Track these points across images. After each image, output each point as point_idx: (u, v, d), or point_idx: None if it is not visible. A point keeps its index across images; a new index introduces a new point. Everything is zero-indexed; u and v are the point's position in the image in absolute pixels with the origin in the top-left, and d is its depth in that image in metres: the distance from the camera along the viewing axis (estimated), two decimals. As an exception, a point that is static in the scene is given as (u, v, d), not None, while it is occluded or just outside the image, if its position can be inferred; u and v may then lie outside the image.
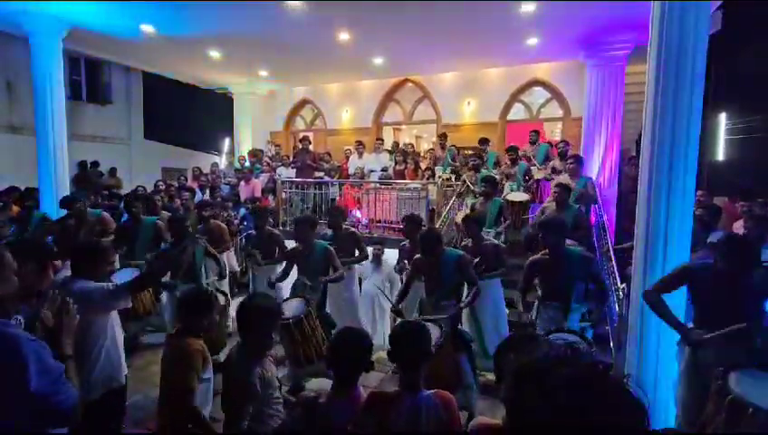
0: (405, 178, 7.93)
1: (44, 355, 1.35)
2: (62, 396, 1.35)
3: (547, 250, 3.37)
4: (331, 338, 2.04)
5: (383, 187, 7.62)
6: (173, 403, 2.25)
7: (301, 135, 10.68)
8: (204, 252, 4.43)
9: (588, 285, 3.39)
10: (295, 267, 4.29)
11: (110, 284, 2.53)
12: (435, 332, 2.94)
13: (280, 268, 4.53)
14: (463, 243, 4.55)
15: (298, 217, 4.85)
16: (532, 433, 0.75)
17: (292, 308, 3.59)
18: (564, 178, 5.73)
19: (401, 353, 1.84)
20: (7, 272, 1.48)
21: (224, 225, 5.45)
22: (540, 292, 3.48)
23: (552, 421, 0.71)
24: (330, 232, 4.72)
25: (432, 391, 1.79)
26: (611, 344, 4.35)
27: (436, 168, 7.69)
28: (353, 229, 4.90)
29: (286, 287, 4.38)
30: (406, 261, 4.60)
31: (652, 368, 3.12)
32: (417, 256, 3.67)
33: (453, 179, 7.25)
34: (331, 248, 4.15)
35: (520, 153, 7.03)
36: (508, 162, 6.83)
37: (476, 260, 3.94)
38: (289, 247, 4.60)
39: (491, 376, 3.70)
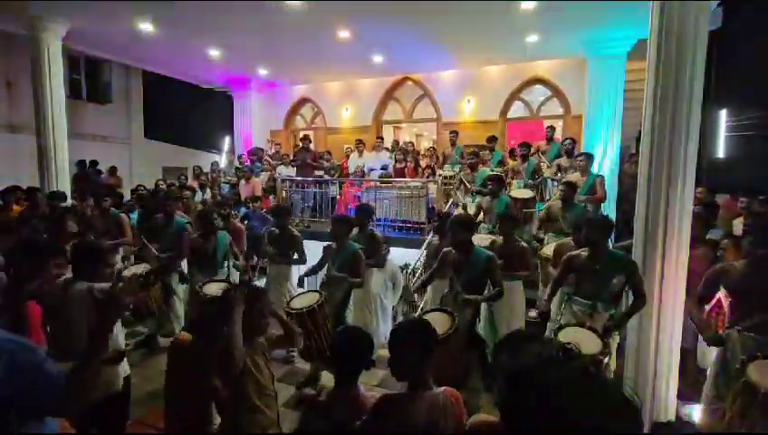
0: (405, 177, 7.93)
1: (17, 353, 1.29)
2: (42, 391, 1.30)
3: (587, 248, 3.26)
4: (332, 336, 2.04)
5: (383, 185, 7.63)
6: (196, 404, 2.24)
7: (301, 134, 10.70)
8: (228, 247, 4.57)
9: (623, 289, 3.26)
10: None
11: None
12: (446, 321, 2.94)
13: (298, 268, 4.58)
14: (492, 239, 4.55)
15: (335, 217, 4.84)
16: (524, 433, 0.76)
17: (306, 299, 3.63)
18: (575, 175, 5.73)
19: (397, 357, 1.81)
20: None
21: (242, 226, 5.52)
22: (571, 287, 3.40)
23: (544, 424, 0.71)
24: (355, 231, 4.68)
25: (441, 388, 1.78)
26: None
27: (445, 166, 7.64)
28: (375, 232, 4.87)
29: (311, 284, 4.48)
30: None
31: (651, 365, 3.13)
32: (447, 248, 3.63)
33: (453, 177, 7.24)
34: (360, 253, 4.10)
35: (533, 148, 7.00)
36: (519, 158, 6.80)
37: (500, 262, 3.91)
38: (305, 249, 4.68)
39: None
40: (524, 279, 4.26)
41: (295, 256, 4.71)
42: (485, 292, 3.58)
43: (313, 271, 4.39)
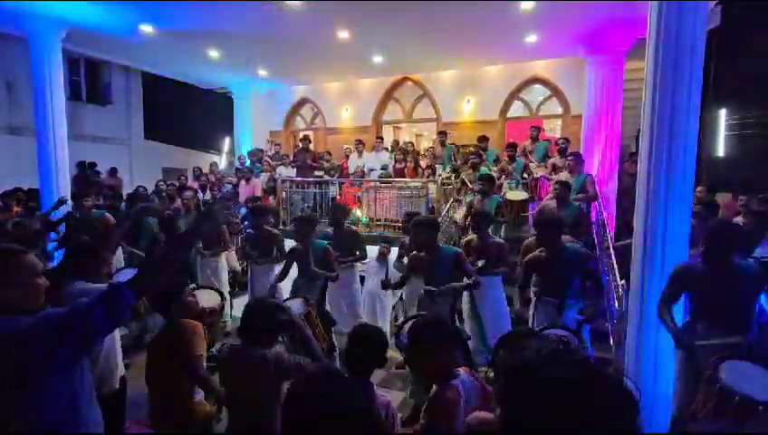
0: (405, 177, 7.93)
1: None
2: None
3: (543, 247, 3.39)
4: (350, 333, 2.05)
5: (383, 185, 7.63)
6: (177, 385, 2.29)
7: (301, 134, 10.69)
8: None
9: (585, 282, 3.40)
10: (295, 266, 4.31)
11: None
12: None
13: (278, 267, 4.56)
14: (468, 238, 4.57)
15: (298, 217, 4.88)
16: (523, 430, 0.76)
17: (292, 308, 3.62)
18: (565, 175, 5.74)
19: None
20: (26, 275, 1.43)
21: (223, 228, 5.51)
22: (537, 288, 3.50)
23: (543, 419, 0.71)
24: (331, 230, 4.74)
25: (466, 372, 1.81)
26: (611, 341, 4.36)
27: (436, 165, 7.68)
28: (355, 229, 4.92)
29: (286, 288, 4.41)
30: (405, 259, 4.62)
31: (651, 364, 3.12)
32: (414, 252, 3.69)
33: (452, 178, 7.25)
34: (330, 249, 4.18)
35: (519, 149, 7.03)
36: (506, 159, 6.82)
37: (482, 262, 3.96)
38: (288, 247, 4.63)
39: (491, 373, 3.72)
40: (503, 275, 4.28)
41: (278, 255, 4.78)
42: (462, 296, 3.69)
43: (281, 277, 4.39)
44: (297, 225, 4.28)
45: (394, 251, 5.40)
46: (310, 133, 11.11)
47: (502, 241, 4.42)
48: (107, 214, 5.40)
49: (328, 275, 4.09)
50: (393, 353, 4.52)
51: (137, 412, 3.46)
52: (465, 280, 3.52)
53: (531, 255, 3.50)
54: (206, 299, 3.77)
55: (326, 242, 4.27)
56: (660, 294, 2.83)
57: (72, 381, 1.38)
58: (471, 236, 4.47)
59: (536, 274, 3.50)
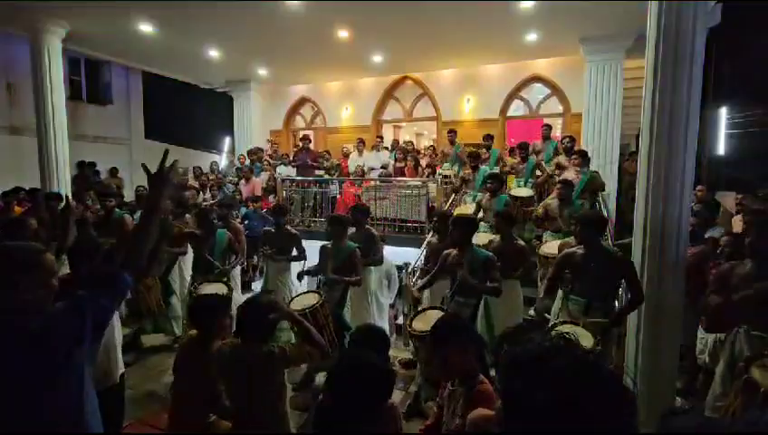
0: (405, 176, 7.94)
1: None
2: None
3: (582, 245, 3.25)
4: (351, 333, 2.06)
5: (383, 184, 7.64)
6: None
7: (301, 134, 10.70)
8: (226, 246, 4.55)
9: (617, 285, 3.27)
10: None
11: None
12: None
13: (295, 266, 4.60)
14: (490, 238, 4.55)
15: (332, 216, 4.85)
16: (521, 421, 0.76)
17: (306, 300, 3.66)
18: (571, 173, 5.75)
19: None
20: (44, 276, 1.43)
21: (241, 227, 5.51)
22: (565, 287, 3.40)
23: (541, 409, 0.72)
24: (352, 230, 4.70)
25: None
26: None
27: (444, 164, 7.64)
28: (373, 231, 4.89)
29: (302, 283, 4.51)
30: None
31: (650, 362, 3.13)
32: (446, 251, 3.66)
33: (452, 176, 7.24)
34: (357, 252, 4.11)
35: (530, 148, 7.01)
36: (518, 158, 6.80)
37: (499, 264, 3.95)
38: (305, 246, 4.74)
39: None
40: (522, 278, 4.26)
41: (295, 253, 4.75)
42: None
43: (315, 272, 4.39)
44: (330, 225, 4.25)
45: (386, 249, 5.42)
46: (310, 133, 11.11)
47: (524, 244, 4.33)
48: (126, 215, 5.38)
49: (349, 281, 4.02)
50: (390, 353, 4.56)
51: (136, 412, 3.48)
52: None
53: (565, 251, 3.39)
54: (213, 291, 3.83)
55: (355, 245, 4.18)
56: None
57: (81, 379, 1.38)
58: (493, 237, 4.44)
59: (570, 271, 3.32)
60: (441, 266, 3.67)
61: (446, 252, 3.66)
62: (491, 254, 3.58)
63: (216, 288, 3.92)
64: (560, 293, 3.57)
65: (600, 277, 3.10)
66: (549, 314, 3.66)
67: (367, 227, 4.76)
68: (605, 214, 6.07)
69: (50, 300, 1.41)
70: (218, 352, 2.17)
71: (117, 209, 5.37)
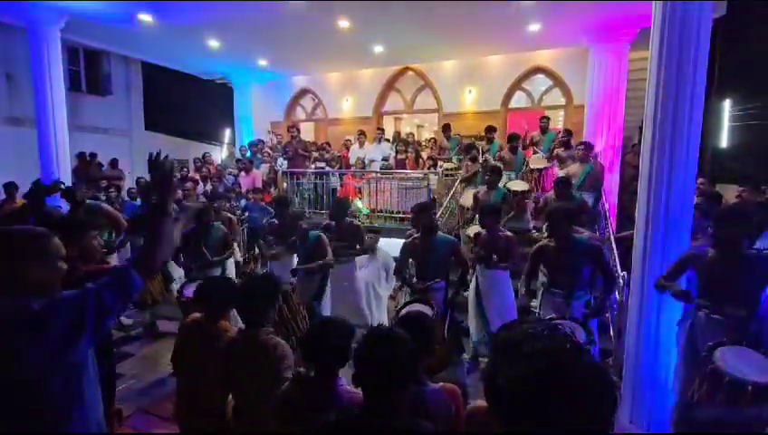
0: (406, 168, 7.92)
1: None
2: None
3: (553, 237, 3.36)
4: (308, 329, 2.00)
5: (384, 176, 7.62)
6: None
7: (301, 125, 10.64)
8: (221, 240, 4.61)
9: (593, 274, 3.37)
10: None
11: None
12: (426, 311, 2.99)
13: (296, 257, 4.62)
14: (476, 230, 4.55)
15: (336, 200, 4.94)
16: (502, 401, 0.77)
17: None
18: (574, 166, 5.74)
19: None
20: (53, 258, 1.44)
21: (233, 216, 5.53)
22: (545, 279, 3.49)
23: (519, 388, 0.73)
24: (332, 223, 4.74)
25: (439, 384, 1.76)
26: (611, 332, 4.38)
27: (454, 158, 7.61)
28: (357, 223, 4.92)
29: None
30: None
31: (650, 354, 3.14)
32: (407, 240, 3.81)
33: (455, 169, 7.22)
34: (324, 237, 4.22)
35: (527, 139, 7.00)
36: (509, 150, 6.78)
37: (480, 250, 3.99)
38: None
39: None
40: (512, 269, 4.27)
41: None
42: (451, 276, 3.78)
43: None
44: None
45: (383, 241, 5.43)
46: (311, 124, 11.06)
47: (510, 234, 4.35)
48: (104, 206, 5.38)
49: (325, 263, 4.12)
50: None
51: (143, 401, 3.51)
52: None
53: (538, 244, 3.48)
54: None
55: (317, 232, 4.31)
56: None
57: (79, 368, 1.38)
58: (474, 227, 4.47)
59: (543, 264, 3.47)
60: (406, 255, 3.82)
61: (408, 240, 3.85)
62: (454, 238, 3.82)
63: None
64: (540, 287, 3.65)
65: (576, 268, 3.23)
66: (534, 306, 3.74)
67: (348, 220, 4.81)
68: (606, 207, 6.06)
69: (58, 283, 1.42)
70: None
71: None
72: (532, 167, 5.72)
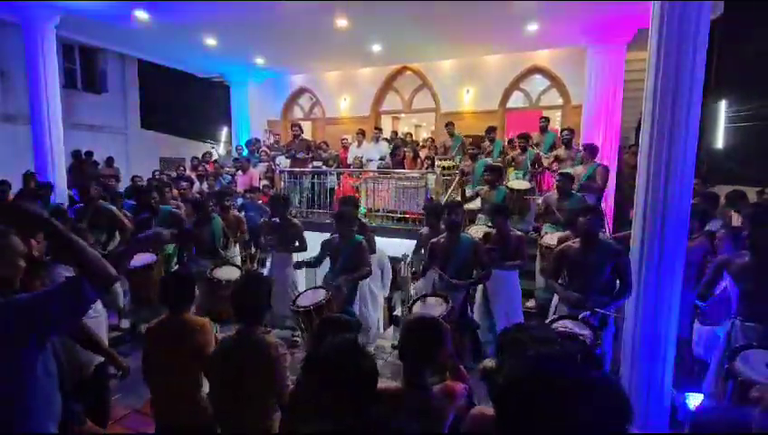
0: (404, 168, 7.90)
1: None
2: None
3: (579, 238, 3.29)
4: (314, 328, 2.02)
5: (382, 176, 7.60)
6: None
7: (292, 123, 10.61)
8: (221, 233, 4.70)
9: (613, 278, 3.26)
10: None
11: None
12: (441, 307, 2.98)
13: (295, 256, 4.59)
14: (486, 230, 4.55)
15: (343, 198, 4.92)
16: (507, 401, 0.76)
17: (312, 296, 3.62)
18: (578, 168, 5.68)
19: (409, 349, 1.69)
20: (11, 255, 1.45)
21: (242, 216, 5.52)
22: (562, 281, 3.41)
23: (524, 387, 0.73)
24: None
25: (438, 385, 1.74)
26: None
27: (456, 157, 7.59)
28: (364, 222, 4.89)
29: (302, 278, 4.59)
30: (422, 250, 4.60)
31: (647, 355, 3.15)
32: (434, 239, 3.73)
33: (455, 167, 7.20)
34: (364, 243, 4.07)
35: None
36: (519, 149, 6.77)
37: (492, 248, 3.99)
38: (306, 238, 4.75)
39: (491, 363, 3.74)
40: (520, 269, 4.26)
41: (297, 244, 4.75)
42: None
43: (313, 265, 4.35)
44: (338, 220, 4.11)
45: (378, 241, 5.41)
46: (308, 123, 11.01)
47: (521, 234, 4.35)
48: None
49: (356, 277, 3.94)
50: (381, 343, 4.55)
51: (135, 401, 3.48)
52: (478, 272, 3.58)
53: (561, 245, 3.41)
54: (226, 273, 4.03)
55: (360, 237, 4.11)
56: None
57: (23, 371, 1.31)
58: (489, 229, 4.45)
59: (566, 266, 3.35)
60: (430, 255, 3.77)
61: (433, 240, 3.78)
62: (477, 239, 3.76)
63: (230, 271, 4.11)
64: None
65: (598, 270, 3.12)
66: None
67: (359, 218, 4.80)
68: (603, 206, 6.06)
69: (16, 280, 1.45)
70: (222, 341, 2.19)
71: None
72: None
